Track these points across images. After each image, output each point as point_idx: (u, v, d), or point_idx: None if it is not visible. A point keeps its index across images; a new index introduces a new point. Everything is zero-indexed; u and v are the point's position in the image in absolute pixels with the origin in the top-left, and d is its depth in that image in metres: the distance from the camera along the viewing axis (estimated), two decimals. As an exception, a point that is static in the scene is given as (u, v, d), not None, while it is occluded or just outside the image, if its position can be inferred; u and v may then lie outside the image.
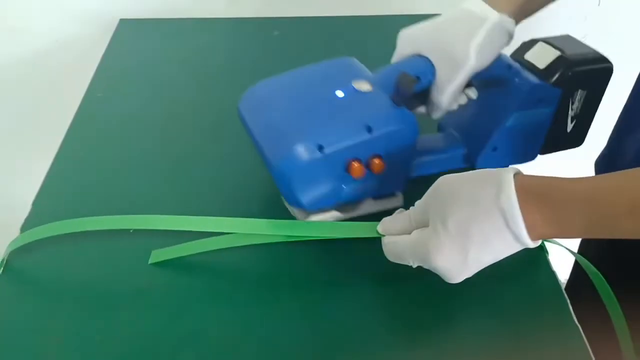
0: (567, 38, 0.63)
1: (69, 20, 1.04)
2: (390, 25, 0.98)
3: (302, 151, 0.51)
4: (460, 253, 0.45)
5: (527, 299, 0.53)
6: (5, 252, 0.56)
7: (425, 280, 0.49)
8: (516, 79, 0.60)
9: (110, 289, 0.53)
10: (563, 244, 0.57)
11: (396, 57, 0.59)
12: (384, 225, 0.52)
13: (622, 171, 0.43)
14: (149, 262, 0.55)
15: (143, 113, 0.77)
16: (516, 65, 0.61)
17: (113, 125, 0.74)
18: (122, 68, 0.87)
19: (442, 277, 0.47)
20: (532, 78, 0.59)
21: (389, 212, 0.54)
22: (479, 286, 0.50)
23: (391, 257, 0.51)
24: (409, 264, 0.49)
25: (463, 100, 0.59)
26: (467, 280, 0.47)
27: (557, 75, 0.59)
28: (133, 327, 0.49)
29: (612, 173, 0.45)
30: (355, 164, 0.53)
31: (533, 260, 0.56)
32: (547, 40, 0.62)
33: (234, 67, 0.88)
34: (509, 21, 0.55)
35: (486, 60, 0.55)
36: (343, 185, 0.54)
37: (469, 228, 0.44)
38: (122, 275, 0.54)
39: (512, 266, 0.48)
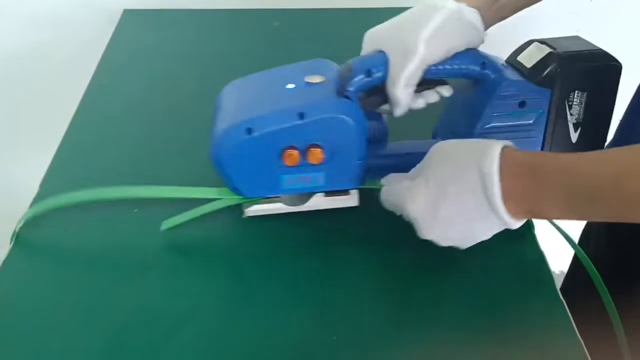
0: (573, 39, 0.57)
1: (74, 11, 1.05)
2: (391, 18, 0.99)
3: (231, 135, 0.53)
4: (432, 205, 0.48)
5: (513, 274, 0.54)
6: (16, 225, 0.57)
7: (413, 256, 0.51)
8: (492, 76, 0.55)
9: (117, 263, 0.55)
10: (562, 231, 0.57)
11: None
12: (387, 178, 0.55)
13: (609, 149, 0.44)
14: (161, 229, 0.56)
15: (146, 102, 0.78)
16: (492, 62, 0.55)
17: (116, 114, 0.75)
18: (125, 58, 0.88)
19: (414, 227, 0.49)
20: (510, 74, 0.55)
21: (341, 211, 0.57)
22: (465, 261, 0.53)
23: (384, 204, 0.54)
24: (398, 213, 0.51)
25: (434, 98, 0.57)
26: (454, 255, 0.49)
27: (544, 73, 0.54)
28: (137, 300, 0.51)
29: (600, 150, 0.46)
30: (289, 151, 0.53)
31: (519, 236, 0.55)
32: (543, 40, 0.57)
33: (236, 57, 0.89)
34: (469, 11, 0.53)
35: (439, 50, 0.53)
36: (282, 175, 0.55)
37: (446, 183, 0.47)
38: (128, 249, 0.56)
39: (499, 242, 0.49)
